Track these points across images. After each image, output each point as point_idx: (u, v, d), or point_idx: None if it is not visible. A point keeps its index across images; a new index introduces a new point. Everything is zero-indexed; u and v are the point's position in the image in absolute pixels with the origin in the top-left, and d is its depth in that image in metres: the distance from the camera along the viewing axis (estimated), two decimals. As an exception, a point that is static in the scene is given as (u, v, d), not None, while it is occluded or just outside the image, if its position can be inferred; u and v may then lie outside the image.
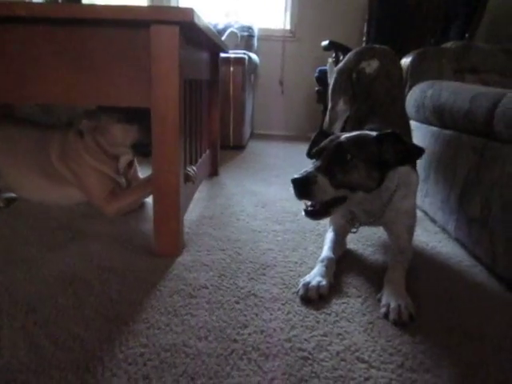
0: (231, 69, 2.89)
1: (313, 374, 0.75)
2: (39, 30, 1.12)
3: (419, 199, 1.61)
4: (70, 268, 1.11)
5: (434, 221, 1.57)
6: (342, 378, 0.75)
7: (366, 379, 0.75)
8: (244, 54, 3.02)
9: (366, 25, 3.52)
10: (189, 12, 1.06)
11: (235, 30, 3.34)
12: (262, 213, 1.63)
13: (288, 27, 3.99)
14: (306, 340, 0.85)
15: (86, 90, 1.15)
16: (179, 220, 1.22)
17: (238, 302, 0.98)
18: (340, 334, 0.88)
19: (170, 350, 0.80)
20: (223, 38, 3.27)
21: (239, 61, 2.91)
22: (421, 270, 1.19)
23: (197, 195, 1.78)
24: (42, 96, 1.16)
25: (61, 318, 0.89)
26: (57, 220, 1.45)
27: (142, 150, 1.47)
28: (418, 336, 0.89)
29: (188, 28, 1.12)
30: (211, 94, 2.13)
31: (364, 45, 3.50)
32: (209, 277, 1.10)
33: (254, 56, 3.28)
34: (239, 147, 3.08)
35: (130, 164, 1.61)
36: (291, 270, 1.16)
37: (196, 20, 1.08)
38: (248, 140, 3.44)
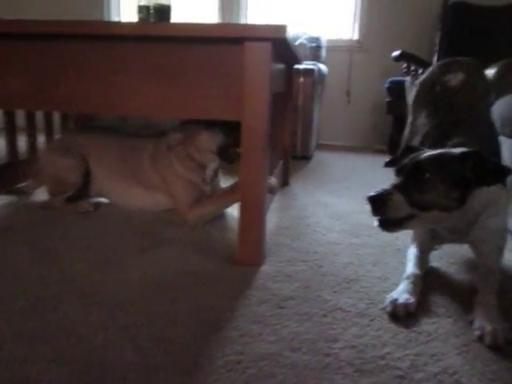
0: (301, 80, 2.91)
1: (412, 395, 0.74)
2: (136, 47, 1.19)
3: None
4: (156, 272, 1.17)
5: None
6: (442, 401, 0.74)
7: (469, 404, 0.73)
8: (313, 65, 3.04)
9: (438, 34, 3.43)
10: (281, 29, 1.09)
11: (304, 41, 3.36)
12: (337, 225, 1.63)
13: (356, 37, 3.97)
14: (399, 358, 0.84)
15: (179, 104, 1.21)
16: (263, 230, 1.25)
17: (325, 316, 0.99)
18: (434, 355, 0.86)
19: (266, 359, 0.82)
20: (292, 50, 3.30)
21: (309, 72, 2.93)
22: (510, 292, 1.14)
23: (272, 205, 1.81)
24: (138, 109, 1.23)
25: (157, 321, 0.93)
26: (140, 226, 1.52)
27: (226, 156, 1.53)
28: (518, 362, 0.85)
29: (278, 44, 1.16)
30: (284, 106, 2.15)
31: (436, 55, 3.41)
32: (294, 288, 1.11)
33: (322, 67, 3.28)
34: (306, 157, 3.09)
35: (216, 172, 1.67)
36: (375, 286, 1.15)
37: (287, 36, 1.11)
38: (314, 150, 3.44)
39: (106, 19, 4.24)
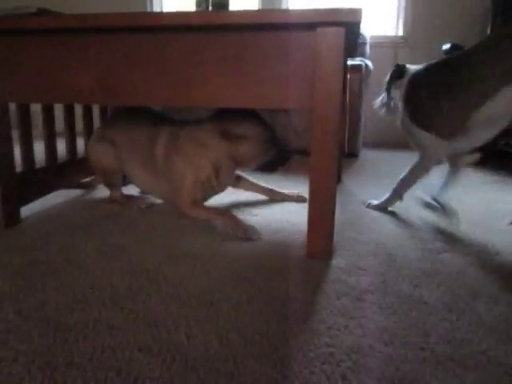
0: (348, 76, 2.86)
1: (525, 392, 0.69)
2: (204, 37, 1.17)
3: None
4: (229, 265, 1.14)
5: None
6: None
7: None
8: (361, 60, 2.98)
9: (489, 27, 3.30)
10: (356, 12, 1.05)
11: (349, 38, 3.30)
12: (401, 219, 1.57)
13: (400, 33, 3.88)
14: (503, 354, 0.78)
15: (249, 93, 1.18)
16: (333, 223, 1.21)
17: (411, 310, 0.94)
18: (539, 351, 0.80)
19: (358, 352, 0.78)
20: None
21: (356, 68, 2.88)
22: None
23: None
24: (207, 100, 1.21)
25: (239, 313, 0.91)
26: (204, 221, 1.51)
27: (268, 167, 1.53)
28: None
29: (351, 29, 1.12)
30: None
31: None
32: (370, 281, 1.07)
33: (369, 63, 3.22)
34: (354, 155, 3.03)
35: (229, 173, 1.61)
36: (456, 280, 1.09)
37: (359, 18, 1.07)
38: (361, 147, 3.37)
39: (149, 10, 4.30)
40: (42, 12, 1.23)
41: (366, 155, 3.18)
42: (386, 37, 3.91)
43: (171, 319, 0.88)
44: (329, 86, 1.10)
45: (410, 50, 3.83)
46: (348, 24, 1.07)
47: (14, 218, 1.44)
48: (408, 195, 1.63)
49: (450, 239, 1.37)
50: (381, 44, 3.85)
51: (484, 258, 1.22)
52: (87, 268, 1.12)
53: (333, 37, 1.08)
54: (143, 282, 1.04)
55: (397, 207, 1.68)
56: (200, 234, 1.38)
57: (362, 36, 3.57)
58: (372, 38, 3.79)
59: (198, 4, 1.54)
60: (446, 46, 2.96)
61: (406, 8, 3.81)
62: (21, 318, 0.87)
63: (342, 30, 1.07)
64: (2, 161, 1.37)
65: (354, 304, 0.96)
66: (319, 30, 1.08)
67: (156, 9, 4.33)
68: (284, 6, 4.01)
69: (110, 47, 1.22)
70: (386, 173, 2.45)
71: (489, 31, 3.29)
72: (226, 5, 1.55)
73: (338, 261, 1.19)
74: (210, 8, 1.57)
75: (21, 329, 0.83)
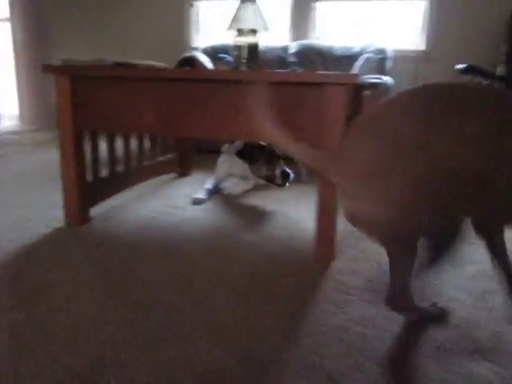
0: (365, 93, 3.15)
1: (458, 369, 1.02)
2: (238, 87, 1.52)
3: None
4: (252, 265, 1.50)
5: None
6: None
7: None
8: (378, 78, 3.26)
9: (503, 47, 3.51)
10: (355, 77, 1.38)
11: (371, 55, 3.58)
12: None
13: (423, 48, 4.12)
14: (442, 338, 1.11)
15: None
16: (335, 233, 1.55)
17: (383, 301, 1.27)
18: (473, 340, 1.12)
19: (341, 330, 1.12)
20: (360, 64, 3.54)
21: (373, 86, 3.16)
22: None
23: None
24: (237, 134, 1.57)
25: (258, 298, 1.26)
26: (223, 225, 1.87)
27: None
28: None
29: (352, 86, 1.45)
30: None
31: (502, 66, 3.50)
32: (358, 281, 1.41)
33: (387, 79, 3.49)
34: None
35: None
36: (428, 282, 1.41)
37: (359, 81, 1.40)
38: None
39: (187, 34, 4.69)
40: (118, 64, 1.61)
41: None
42: (409, 51, 4.15)
43: (213, 301, 1.25)
44: (333, 130, 1.44)
45: (432, 64, 4.07)
46: (349, 85, 1.40)
47: (86, 217, 1.85)
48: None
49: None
50: (404, 57, 4.10)
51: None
52: (149, 261, 1.50)
53: (337, 93, 1.41)
54: (192, 274, 1.41)
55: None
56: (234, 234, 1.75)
57: (384, 51, 3.85)
58: (395, 51, 4.04)
59: (236, 48, 1.88)
60: (462, 66, 3.20)
61: (430, 23, 4.04)
62: (108, 298, 1.25)
63: (344, 89, 1.40)
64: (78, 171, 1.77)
65: (343, 297, 1.30)
66: (327, 87, 1.41)
67: (194, 40, 4.72)
68: (311, 32, 4.33)
69: (167, 93, 1.59)
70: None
71: (504, 50, 3.50)
72: (256, 48, 1.90)
73: (336, 264, 1.53)
74: (246, 50, 1.91)
75: (108, 304, 1.21)
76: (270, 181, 2.22)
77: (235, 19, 1.85)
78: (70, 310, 1.17)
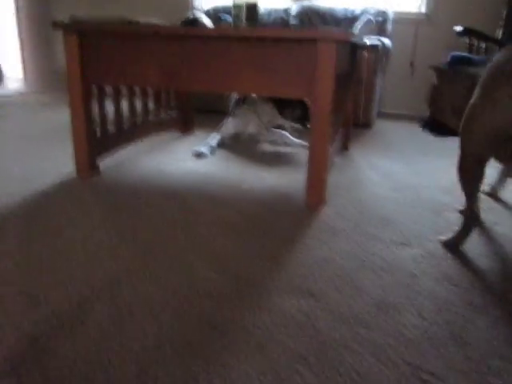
0: (365, 55, 3.22)
1: (419, 288, 1.17)
2: (239, 44, 1.62)
3: None
4: (248, 208, 1.65)
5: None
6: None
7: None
8: (378, 40, 3.32)
9: (505, 11, 3.54)
10: (344, 34, 1.48)
11: (371, 17, 3.62)
12: (384, 182, 2.03)
13: (423, 10, 4.13)
14: (413, 267, 1.26)
15: (267, 86, 1.64)
16: (325, 181, 1.68)
17: (366, 241, 1.42)
18: (439, 267, 1.27)
19: (324, 261, 1.27)
20: (360, 25, 3.58)
21: (373, 48, 3.23)
22: None
23: (332, 166, 2.23)
24: (236, 88, 1.68)
25: (254, 235, 1.41)
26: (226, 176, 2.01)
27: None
28: None
29: (344, 42, 1.55)
30: (349, 80, 2.52)
31: (501, 30, 3.54)
32: (345, 224, 1.55)
33: (387, 41, 3.54)
34: (367, 125, 3.43)
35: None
36: (405, 225, 1.56)
37: (348, 39, 1.50)
38: (376, 118, 3.75)
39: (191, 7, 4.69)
40: (124, 22, 1.71)
41: (380, 126, 3.58)
42: (409, 13, 4.17)
43: (214, 239, 1.40)
44: (325, 84, 1.55)
45: (432, 27, 4.09)
46: (339, 41, 1.50)
47: (95, 170, 1.99)
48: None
49: (416, 198, 1.83)
50: (404, 20, 4.13)
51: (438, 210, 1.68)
52: (155, 205, 1.64)
53: (328, 49, 1.51)
54: (193, 216, 1.56)
55: (373, 176, 2.13)
56: (227, 183, 1.89)
57: (384, 13, 3.88)
58: (396, 13, 4.07)
59: (234, 7, 1.96)
60: (459, 28, 3.25)
61: (431, -15, 4.05)
62: (119, 236, 1.40)
63: (334, 45, 1.50)
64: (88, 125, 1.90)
65: (330, 237, 1.44)
66: (319, 43, 1.51)
67: (195, 2, 4.72)
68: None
69: (169, 49, 1.69)
70: (392, 143, 2.87)
71: (503, 17, 3.53)
72: (255, 7, 1.98)
73: (326, 210, 1.67)
74: (244, 10, 2.00)
75: (122, 241, 1.37)
76: (303, 121, 2.40)
77: (234, -21, 1.93)
78: (87, 242, 1.33)
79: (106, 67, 1.79)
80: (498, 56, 1.24)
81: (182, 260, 1.25)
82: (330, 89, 1.56)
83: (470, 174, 1.31)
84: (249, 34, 1.57)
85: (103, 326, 0.94)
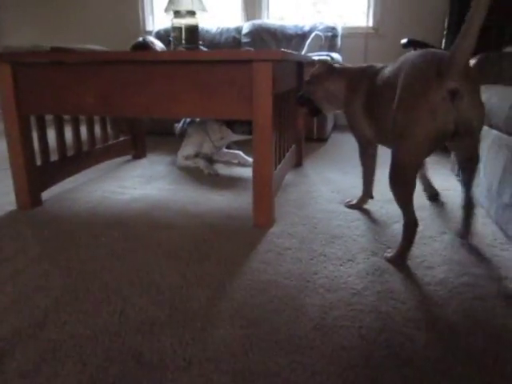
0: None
1: (362, 307, 1.15)
2: (175, 67, 1.60)
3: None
4: (196, 231, 1.61)
5: (482, 207, 1.85)
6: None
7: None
8: (327, 55, 3.37)
9: (446, 20, 3.67)
10: (279, 53, 1.48)
11: (319, 33, 3.68)
12: (336, 197, 2.03)
13: (371, 24, 4.24)
14: (357, 284, 1.25)
15: (207, 107, 1.62)
16: (272, 200, 1.66)
17: (312, 259, 1.40)
18: (383, 282, 1.26)
19: (267, 283, 1.24)
20: (308, 41, 3.64)
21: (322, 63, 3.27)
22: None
23: (284, 182, 2.22)
24: (177, 112, 1.65)
25: (199, 260, 1.37)
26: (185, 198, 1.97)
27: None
28: (440, 286, 1.24)
29: (279, 62, 1.55)
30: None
31: (444, 40, 3.67)
32: (292, 242, 1.53)
33: (336, 56, 3.61)
34: (322, 140, 3.46)
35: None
36: (354, 241, 1.55)
37: (284, 57, 1.50)
38: (331, 132, 3.79)
39: (141, 17, 4.67)
40: (55, 50, 1.66)
41: (336, 140, 3.61)
42: (357, 27, 4.28)
43: (151, 266, 1.35)
44: (262, 103, 1.54)
45: (380, 39, 4.20)
46: (274, 60, 1.50)
47: (37, 200, 1.91)
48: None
49: (365, 211, 1.83)
50: (353, 35, 4.23)
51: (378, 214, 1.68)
52: (96, 235, 1.58)
53: (263, 69, 1.51)
54: (134, 244, 1.51)
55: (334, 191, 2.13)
56: (178, 210, 1.85)
57: (334, 29, 3.96)
58: (344, 29, 4.16)
59: (173, 30, 1.95)
60: (404, 41, 3.34)
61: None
62: (53, 267, 1.34)
63: (269, 64, 1.50)
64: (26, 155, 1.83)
65: (275, 258, 1.42)
66: (254, 64, 1.51)
67: (148, 23, 4.71)
68: (264, 8, 4.38)
69: (106, 75, 1.65)
70: (346, 157, 2.89)
71: (445, 25, 3.66)
72: (195, 30, 1.97)
73: (274, 228, 1.65)
74: (184, 32, 1.99)
75: (55, 274, 1.30)
76: (251, 133, 2.43)
77: (171, 1, 1.92)
78: (18, 280, 1.26)
79: (41, 96, 1.73)
80: (411, 62, 1.28)
81: (116, 292, 1.19)
82: (269, 108, 1.55)
83: (408, 183, 1.31)
84: (184, 57, 1.55)
85: (22, 372, 0.88)
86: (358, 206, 1.89)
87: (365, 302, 1.15)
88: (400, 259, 1.39)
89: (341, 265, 1.37)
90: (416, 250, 1.46)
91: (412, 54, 1.35)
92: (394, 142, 1.29)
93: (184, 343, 0.97)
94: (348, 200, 1.94)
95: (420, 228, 1.58)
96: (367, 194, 1.88)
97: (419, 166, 1.33)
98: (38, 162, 1.94)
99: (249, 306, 1.13)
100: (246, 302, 1.14)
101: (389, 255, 1.41)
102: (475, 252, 1.45)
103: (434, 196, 1.99)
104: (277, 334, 1.01)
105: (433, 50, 1.31)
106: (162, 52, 1.64)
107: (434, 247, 1.48)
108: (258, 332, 1.02)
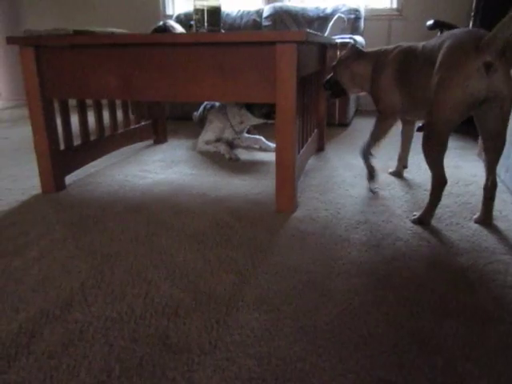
0: (338, 53, 3.20)
1: (387, 293, 1.13)
2: (197, 50, 1.58)
3: (502, 174, 1.84)
4: (218, 216, 1.60)
5: (513, 192, 1.80)
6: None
7: (422, 294, 1.11)
8: (350, 38, 3.30)
9: (474, 2, 3.54)
10: (303, 34, 1.44)
11: (341, 15, 3.60)
12: (359, 182, 1.99)
13: (395, 6, 4.13)
14: (382, 269, 1.23)
15: (230, 91, 1.60)
16: (295, 185, 1.64)
17: (336, 245, 1.38)
18: (409, 268, 1.24)
19: (290, 269, 1.23)
20: (331, 23, 3.56)
21: (345, 46, 3.20)
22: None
23: (306, 167, 2.19)
24: (198, 95, 1.64)
25: (220, 245, 1.37)
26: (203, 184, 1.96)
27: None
28: (469, 273, 1.21)
29: (303, 43, 1.51)
30: (319, 80, 2.49)
31: (472, 22, 3.54)
32: (315, 228, 1.51)
33: (359, 39, 3.52)
34: (344, 125, 3.40)
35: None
36: (379, 226, 1.52)
37: (308, 38, 1.46)
38: (353, 117, 3.73)
39: (161, 1, 4.65)
40: (78, 32, 1.65)
41: (357, 124, 3.55)
42: (381, 9, 4.17)
43: (175, 250, 1.35)
44: (286, 86, 1.51)
45: (404, 21, 4.09)
46: (298, 42, 1.47)
47: (61, 184, 1.93)
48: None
49: (390, 197, 1.79)
50: (376, 17, 4.12)
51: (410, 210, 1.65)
52: (119, 219, 1.59)
53: (287, 50, 1.47)
54: (158, 228, 1.51)
55: (355, 176, 2.10)
56: (200, 195, 1.84)
57: (357, 11, 3.86)
58: (368, 10, 4.06)
59: (196, 12, 1.92)
60: (430, 22, 3.24)
61: (401, -19, 4.05)
62: (78, 250, 1.35)
63: (293, 46, 1.47)
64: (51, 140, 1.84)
65: (298, 243, 1.40)
66: (278, 45, 1.48)
67: (168, 7, 4.67)
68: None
69: (128, 58, 1.64)
70: (366, 141, 2.84)
71: (473, 6, 3.53)
72: (218, 11, 1.94)
73: (297, 213, 1.63)
74: (206, 14, 1.95)
75: (80, 257, 1.31)
76: (269, 116, 2.43)
77: (193, -17, 1.88)
78: (44, 262, 1.27)
79: (65, 80, 1.74)
80: (455, 36, 1.40)
81: (141, 275, 1.20)
82: (293, 91, 1.52)
83: (442, 144, 1.43)
84: (205, 39, 1.53)
85: (50, 352, 0.89)
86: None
87: (390, 288, 1.13)
88: (427, 217, 1.51)
89: (366, 250, 1.34)
90: (443, 236, 1.43)
91: (458, 30, 1.45)
92: (431, 107, 1.40)
93: (209, 327, 0.97)
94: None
95: (447, 215, 1.55)
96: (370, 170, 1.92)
97: (452, 128, 1.41)
98: (62, 147, 1.95)
99: (273, 291, 1.12)
100: (269, 287, 1.13)
101: (414, 217, 1.54)
102: (504, 239, 1.41)
103: (398, 172, 2.10)
104: (302, 319, 1.00)
105: (476, 29, 1.42)
106: (185, 34, 1.62)
107: (461, 233, 1.45)
108: (282, 317, 1.01)
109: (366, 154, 1.88)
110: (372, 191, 1.87)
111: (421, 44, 1.65)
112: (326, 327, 0.97)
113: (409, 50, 1.69)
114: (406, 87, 1.69)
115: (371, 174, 1.89)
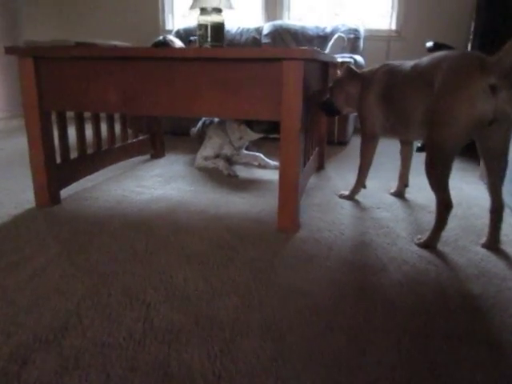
0: (338, 72, 3.19)
1: (398, 320, 1.09)
2: (201, 65, 1.55)
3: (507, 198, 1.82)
4: (218, 235, 1.55)
5: (518, 216, 1.77)
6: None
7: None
8: (350, 57, 3.31)
9: (473, 24, 3.58)
10: (311, 51, 1.42)
11: (342, 34, 3.62)
12: (361, 203, 1.96)
13: (394, 27, 4.16)
14: (391, 294, 1.18)
15: (232, 107, 1.57)
16: (297, 204, 1.60)
17: (341, 267, 1.34)
18: (418, 295, 1.19)
19: (295, 292, 1.18)
20: (331, 43, 3.57)
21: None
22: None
23: (307, 186, 2.15)
24: (201, 111, 1.60)
25: (222, 265, 1.32)
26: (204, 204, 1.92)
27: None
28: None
29: (310, 60, 1.49)
30: (320, 99, 2.47)
31: (470, 44, 3.57)
32: (319, 249, 1.47)
33: (359, 58, 3.53)
34: (343, 143, 3.39)
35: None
36: (384, 249, 1.48)
37: (315, 56, 1.44)
38: (351, 135, 3.72)
39: (161, 16, 4.65)
40: (79, 44, 1.62)
41: (356, 143, 3.52)
42: (380, 30, 4.20)
43: (174, 270, 1.30)
44: (291, 104, 1.48)
45: (403, 42, 4.12)
46: (305, 59, 1.44)
47: (56, 198, 1.87)
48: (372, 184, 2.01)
49: (394, 218, 1.76)
50: (375, 37, 4.15)
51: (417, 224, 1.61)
52: (116, 235, 1.54)
53: (294, 67, 1.45)
54: (156, 246, 1.46)
55: (361, 194, 2.07)
56: (198, 212, 1.79)
57: (356, 31, 3.88)
58: (367, 31, 4.08)
59: (199, 28, 1.90)
60: (430, 44, 3.26)
61: (400, 1, 4.08)
62: (73, 268, 1.30)
63: (300, 63, 1.44)
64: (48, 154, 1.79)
65: (302, 264, 1.36)
66: (284, 62, 1.45)
67: (167, 22, 4.69)
68: (285, 8, 4.33)
69: (129, 71, 1.61)
70: (366, 160, 2.81)
71: (472, 29, 3.57)
72: (221, 27, 1.92)
73: (300, 233, 1.59)
74: (209, 30, 1.94)
75: (75, 276, 1.26)
76: (272, 131, 2.39)
77: (197, -2, 1.87)
78: (37, 282, 1.21)
79: (64, 92, 1.70)
80: (454, 57, 1.40)
81: (139, 296, 1.14)
82: (299, 109, 1.49)
83: (447, 166, 1.41)
84: (210, 54, 1.50)
85: (43, 382, 0.83)
86: (351, 197, 2.01)
87: (400, 315, 1.09)
88: (433, 242, 1.48)
89: (373, 274, 1.30)
90: (450, 261, 1.39)
91: (450, 52, 1.44)
92: (433, 129, 1.40)
93: (213, 355, 0.91)
94: (341, 192, 2.06)
95: (452, 238, 1.52)
96: (360, 184, 2.01)
97: (458, 150, 1.40)
98: (58, 160, 1.90)
99: (278, 316, 1.07)
100: (274, 312, 1.08)
101: (420, 241, 1.51)
102: (514, 264, 1.37)
103: (399, 192, 2.08)
104: (309, 346, 0.95)
105: (470, 51, 1.44)
106: (189, 49, 1.59)
107: (469, 258, 1.41)
108: (289, 344, 0.96)
109: (359, 189, 2.00)
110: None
111: (409, 63, 1.66)
112: (336, 356, 0.92)
113: (395, 69, 1.71)
114: (389, 106, 1.70)
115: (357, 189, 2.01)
